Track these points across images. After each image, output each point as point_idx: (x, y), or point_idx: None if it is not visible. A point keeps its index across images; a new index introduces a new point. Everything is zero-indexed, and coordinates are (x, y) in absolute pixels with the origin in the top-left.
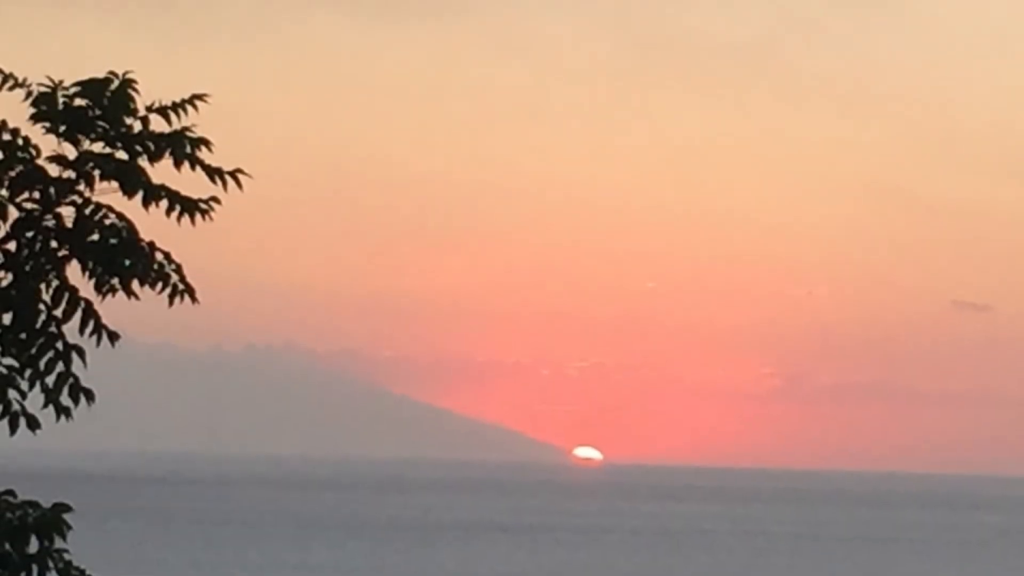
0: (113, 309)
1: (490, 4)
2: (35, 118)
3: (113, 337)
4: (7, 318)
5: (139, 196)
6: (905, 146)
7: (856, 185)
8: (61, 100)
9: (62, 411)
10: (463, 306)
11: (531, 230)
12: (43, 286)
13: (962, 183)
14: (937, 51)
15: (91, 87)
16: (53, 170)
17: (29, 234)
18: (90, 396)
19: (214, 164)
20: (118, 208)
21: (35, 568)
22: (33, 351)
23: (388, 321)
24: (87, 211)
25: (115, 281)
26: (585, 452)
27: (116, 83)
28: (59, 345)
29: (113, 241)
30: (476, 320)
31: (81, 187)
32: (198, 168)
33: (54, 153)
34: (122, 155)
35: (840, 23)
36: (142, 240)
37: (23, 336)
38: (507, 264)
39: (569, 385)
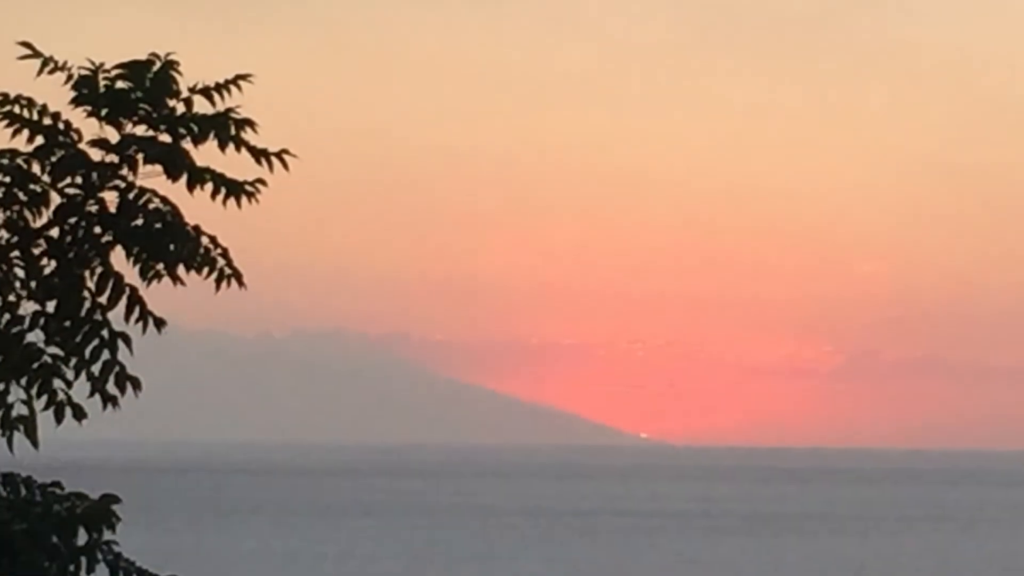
0: (159, 296)
1: None
2: (76, 102)
3: (159, 324)
4: (51, 306)
5: (183, 179)
6: (971, 120)
7: (923, 159)
8: (102, 83)
9: (109, 400)
10: (515, 287)
11: (585, 209)
12: (87, 273)
13: None
14: (1003, 19)
15: (133, 69)
16: (95, 154)
17: (72, 220)
18: (137, 384)
19: (259, 145)
20: (162, 192)
21: (84, 560)
22: (78, 339)
23: (439, 304)
24: (131, 196)
25: (160, 267)
26: (644, 433)
27: (158, 65)
28: (104, 333)
29: (158, 225)
30: (528, 302)
31: (124, 171)
32: (243, 150)
33: (96, 137)
34: (165, 138)
35: None
36: (187, 224)
37: (68, 324)
38: (561, 244)
39: (627, 366)
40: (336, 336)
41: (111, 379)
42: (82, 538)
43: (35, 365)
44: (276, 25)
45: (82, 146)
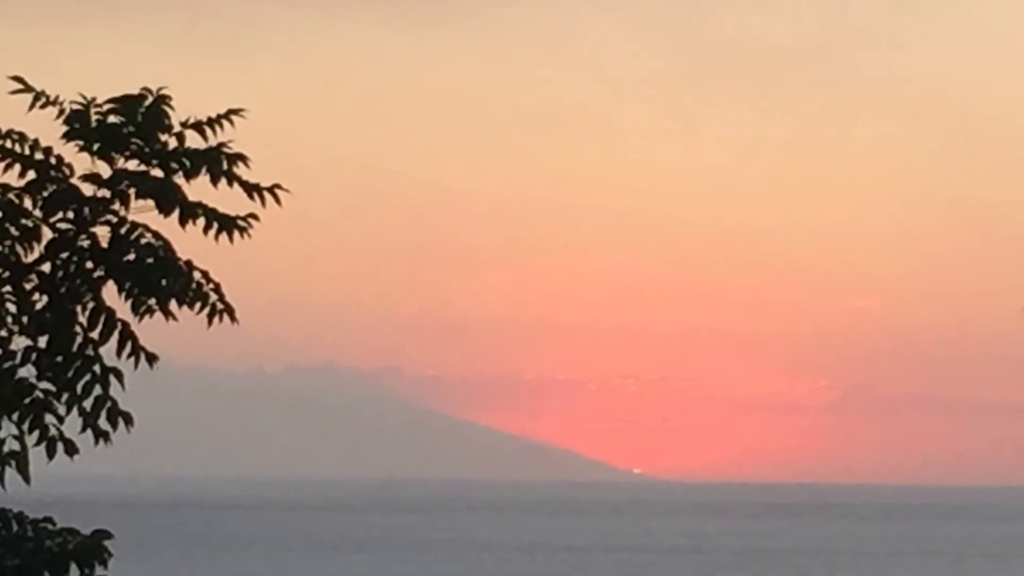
0: (150, 331)
1: (540, 17)
2: (68, 136)
3: (151, 359)
4: (43, 341)
5: (175, 214)
6: (966, 153)
7: (917, 193)
8: (94, 117)
9: (100, 435)
10: (509, 322)
11: (577, 244)
12: (79, 308)
13: None
14: (998, 53)
15: (125, 104)
16: (87, 189)
17: (64, 255)
18: (129, 420)
19: (251, 180)
20: (154, 226)
21: None
22: (70, 374)
23: (432, 339)
24: (122, 230)
25: (152, 301)
26: (638, 469)
27: (150, 99)
28: (96, 368)
29: (149, 260)
30: (521, 337)
31: (116, 206)
32: (235, 184)
33: (88, 172)
34: (157, 172)
35: (898, 28)
36: (179, 259)
37: (59, 359)
38: (554, 279)
39: (620, 401)
40: (328, 371)
41: (103, 414)
42: (74, 574)
43: (27, 400)
44: (269, 59)
45: (74, 181)
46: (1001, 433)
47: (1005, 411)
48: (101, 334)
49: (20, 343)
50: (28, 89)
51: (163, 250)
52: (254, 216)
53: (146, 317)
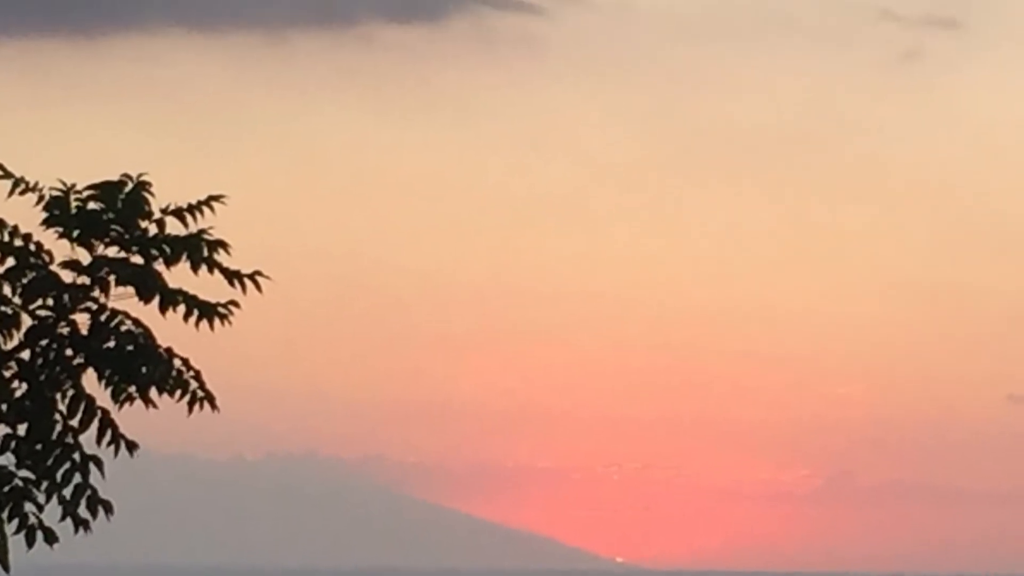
0: (130, 418)
1: (523, 103)
2: (48, 223)
3: (131, 447)
4: (22, 429)
5: (156, 301)
6: (951, 239)
7: (902, 279)
8: (74, 204)
9: (80, 524)
10: (491, 410)
11: (560, 331)
12: (59, 396)
13: (1013, 273)
14: (982, 140)
15: (105, 190)
16: (67, 276)
17: (43, 342)
18: (109, 508)
19: (232, 267)
20: (134, 314)
21: None
22: (49, 462)
23: (414, 427)
24: (102, 317)
25: (132, 389)
26: (621, 558)
27: (130, 186)
28: (76, 456)
29: (129, 348)
30: (503, 425)
31: (96, 293)
32: (216, 271)
33: (68, 259)
34: (137, 259)
35: (883, 114)
36: (159, 346)
37: (39, 447)
38: (537, 367)
39: (603, 489)
40: (310, 459)
41: (83, 503)
42: None
43: (6, 488)
44: (249, 145)
45: (53, 268)
46: (987, 521)
47: (991, 499)
48: (81, 422)
49: None
50: (7, 175)
51: (143, 337)
52: (235, 303)
53: (126, 405)
